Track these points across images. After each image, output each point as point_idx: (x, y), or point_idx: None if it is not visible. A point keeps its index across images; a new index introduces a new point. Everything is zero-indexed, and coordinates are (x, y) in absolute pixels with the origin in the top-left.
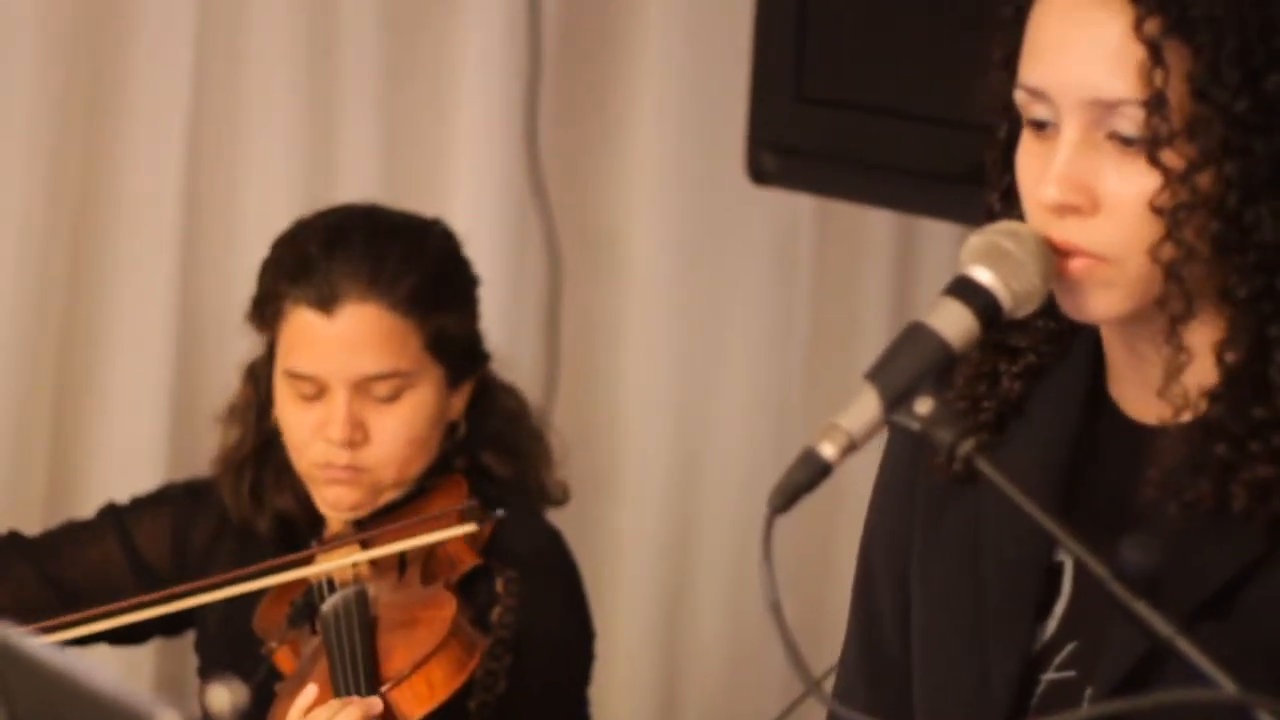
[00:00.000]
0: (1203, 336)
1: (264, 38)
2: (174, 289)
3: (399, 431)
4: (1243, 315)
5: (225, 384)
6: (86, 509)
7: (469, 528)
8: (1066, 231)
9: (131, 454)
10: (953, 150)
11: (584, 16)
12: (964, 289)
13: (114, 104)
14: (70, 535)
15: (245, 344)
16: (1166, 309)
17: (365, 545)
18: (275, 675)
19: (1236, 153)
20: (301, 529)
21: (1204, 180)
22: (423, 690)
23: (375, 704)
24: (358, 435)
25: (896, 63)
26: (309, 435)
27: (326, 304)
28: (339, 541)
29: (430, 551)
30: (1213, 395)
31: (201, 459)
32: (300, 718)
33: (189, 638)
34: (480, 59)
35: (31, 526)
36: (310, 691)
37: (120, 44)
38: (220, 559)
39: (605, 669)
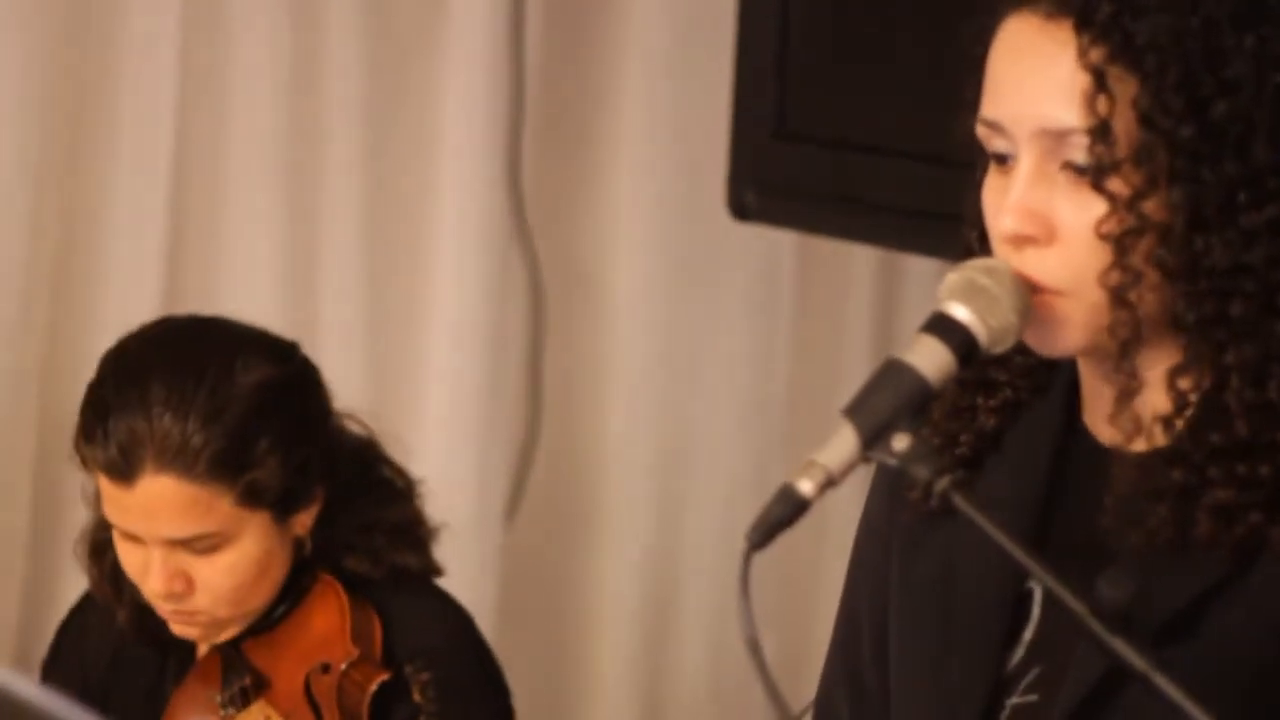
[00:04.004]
0: (1161, 364)
1: (246, 84)
2: None
3: (222, 581)
4: (1196, 342)
5: None
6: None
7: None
8: (1025, 263)
9: None
10: (934, 186)
11: (566, 56)
12: (941, 326)
13: (93, 181)
14: None
15: None
16: (1116, 335)
17: (256, 681)
18: None
19: (1183, 179)
20: (162, 627)
21: (1151, 207)
22: None
23: None
24: (177, 586)
25: (877, 98)
26: (138, 575)
27: (123, 476)
28: (244, 698)
29: (337, 685)
30: (1167, 421)
31: None
32: None
33: None
34: (463, 100)
35: (10, 555)
36: None
37: (99, 118)
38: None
39: (587, 706)
